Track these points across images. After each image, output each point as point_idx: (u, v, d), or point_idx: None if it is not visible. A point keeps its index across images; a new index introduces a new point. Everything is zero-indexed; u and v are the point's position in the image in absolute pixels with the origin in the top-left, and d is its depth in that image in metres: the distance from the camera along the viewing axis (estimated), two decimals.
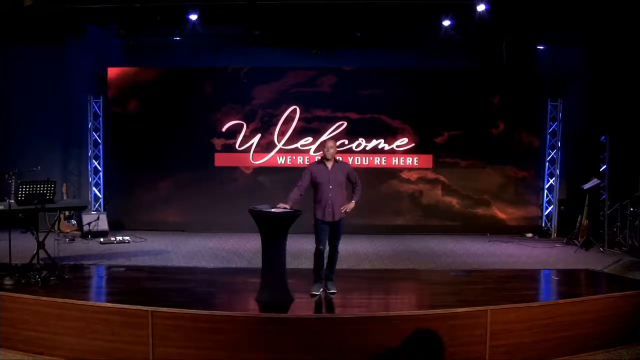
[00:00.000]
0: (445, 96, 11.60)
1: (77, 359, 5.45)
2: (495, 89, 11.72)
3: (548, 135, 11.83)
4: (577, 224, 10.61)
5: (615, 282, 7.49)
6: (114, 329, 5.38)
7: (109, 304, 5.59)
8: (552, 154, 11.84)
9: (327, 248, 6.37)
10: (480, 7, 9.36)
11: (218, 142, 11.69)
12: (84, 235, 10.69)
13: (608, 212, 10.39)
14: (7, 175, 8.52)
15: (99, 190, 11.80)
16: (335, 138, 11.24)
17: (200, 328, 5.31)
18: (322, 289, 6.37)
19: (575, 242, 10.46)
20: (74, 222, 11.18)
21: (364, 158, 11.71)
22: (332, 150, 6.28)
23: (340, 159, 6.55)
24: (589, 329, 5.85)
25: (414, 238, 11.12)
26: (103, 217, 10.99)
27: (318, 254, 6.29)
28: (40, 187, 6.82)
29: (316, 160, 6.72)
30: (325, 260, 6.43)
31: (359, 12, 10.02)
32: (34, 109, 11.57)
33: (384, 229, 11.57)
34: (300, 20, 10.49)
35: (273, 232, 6.07)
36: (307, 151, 11.63)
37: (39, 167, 9.31)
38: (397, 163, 11.76)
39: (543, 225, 11.87)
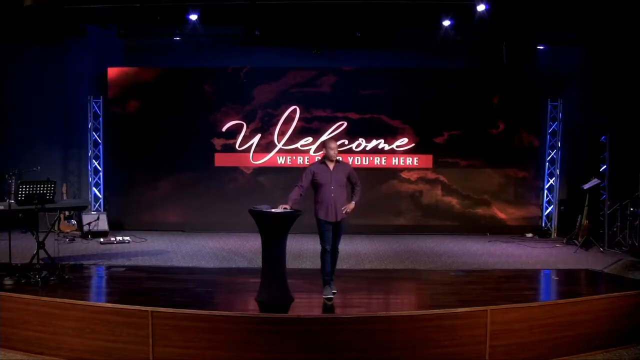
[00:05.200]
0: (445, 96, 11.60)
1: (77, 359, 5.46)
2: (495, 89, 11.72)
3: (548, 135, 11.83)
4: (577, 224, 10.60)
5: (615, 282, 7.48)
6: (114, 329, 5.38)
7: (109, 304, 5.59)
8: (552, 154, 11.84)
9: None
10: (480, 7, 9.35)
11: (218, 142, 11.69)
12: (84, 235, 10.69)
13: (608, 212, 10.39)
14: (7, 175, 8.54)
15: (99, 190, 11.80)
16: (335, 138, 11.24)
17: (200, 328, 5.31)
18: (334, 291, 6.31)
19: (575, 242, 10.45)
20: (74, 222, 11.18)
21: (364, 158, 11.70)
22: (335, 151, 6.29)
23: (341, 159, 6.56)
24: (589, 329, 5.85)
25: (414, 238, 11.11)
26: (103, 217, 10.99)
27: (324, 254, 6.26)
28: (40, 187, 6.82)
29: (317, 160, 6.71)
30: None
31: (359, 12, 10.01)
32: (34, 109, 11.58)
33: (384, 229, 11.56)
34: (300, 20, 10.48)
35: (273, 232, 6.07)
36: (307, 151, 11.63)
37: (39, 167, 9.33)
38: (397, 163, 11.76)
39: (543, 225, 11.86)
